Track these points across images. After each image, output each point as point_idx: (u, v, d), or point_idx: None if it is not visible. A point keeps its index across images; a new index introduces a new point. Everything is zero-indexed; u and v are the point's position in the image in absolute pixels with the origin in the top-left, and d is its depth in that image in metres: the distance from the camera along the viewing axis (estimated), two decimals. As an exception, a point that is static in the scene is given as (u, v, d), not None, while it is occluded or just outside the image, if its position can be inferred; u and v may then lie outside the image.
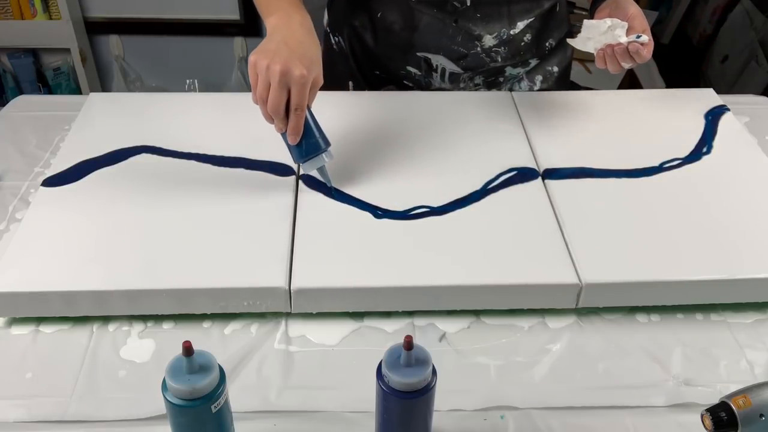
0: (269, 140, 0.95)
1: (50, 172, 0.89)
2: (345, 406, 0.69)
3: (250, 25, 2.28)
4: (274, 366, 0.73)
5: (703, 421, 0.59)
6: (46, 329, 0.76)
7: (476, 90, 1.12)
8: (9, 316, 0.77)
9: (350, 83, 1.16)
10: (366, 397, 0.66)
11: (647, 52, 0.89)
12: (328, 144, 0.85)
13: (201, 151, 0.93)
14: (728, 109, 1.05)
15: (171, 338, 0.76)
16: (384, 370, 0.58)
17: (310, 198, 0.86)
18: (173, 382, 0.56)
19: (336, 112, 1.02)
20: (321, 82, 0.82)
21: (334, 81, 1.17)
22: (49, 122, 1.06)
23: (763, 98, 1.20)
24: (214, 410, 0.58)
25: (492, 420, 0.69)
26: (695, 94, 1.09)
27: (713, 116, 1.03)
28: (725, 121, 1.02)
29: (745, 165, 0.95)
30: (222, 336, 0.76)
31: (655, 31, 2.90)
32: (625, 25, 0.89)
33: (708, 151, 0.96)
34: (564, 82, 1.17)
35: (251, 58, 0.79)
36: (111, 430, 0.67)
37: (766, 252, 0.80)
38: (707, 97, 1.08)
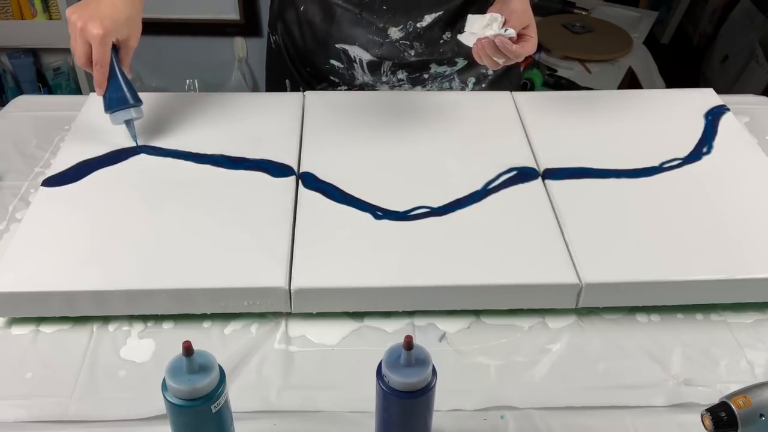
0: (269, 140, 0.96)
1: (50, 172, 0.89)
2: (345, 406, 0.69)
3: (250, 25, 2.28)
4: (274, 366, 0.73)
5: (703, 421, 0.59)
6: (46, 329, 0.76)
7: (400, 84, 1.12)
8: (9, 316, 0.77)
9: (287, 81, 1.16)
10: (366, 397, 0.66)
11: (519, 48, 0.87)
12: (137, 101, 0.91)
13: (201, 151, 0.93)
14: (728, 109, 1.05)
15: (171, 338, 0.76)
16: (384, 370, 0.58)
17: (310, 198, 0.86)
18: (173, 382, 0.56)
19: (336, 112, 1.02)
20: (133, 44, 0.90)
21: (274, 80, 1.19)
22: (49, 122, 1.06)
23: (763, 98, 1.20)
24: (214, 410, 0.58)
25: (492, 420, 0.69)
26: (695, 94, 1.09)
27: (713, 116, 1.03)
28: (725, 121, 1.02)
29: (745, 165, 0.94)
30: (222, 336, 0.76)
31: (655, 31, 2.92)
32: (502, 19, 0.87)
33: (708, 151, 0.96)
34: (504, 84, 1.14)
35: (67, 11, 0.86)
36: (111, 430, 0.67)
37: (766, 252, 0.81)
38: (707, 97, 1.08)
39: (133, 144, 0.93)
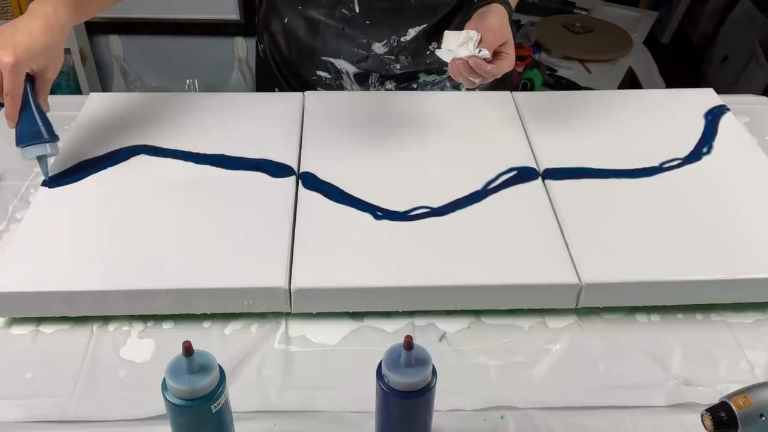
0: (269, 140, 0.96)
1: (50, 172, 0.89)
2: (345, 406, 0.69)
3: (250, 25, 2.28)
4: (274, 366, 0.73)
5: (703, 421, 0.59)
6: (46, 329, 0.76)
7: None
8: (9, 316, 0.77)
9: (276, 90, 1.16)
10: (366, 397, 0.66)
11: (494, 68, 0.85)
12: (53, 137, 0.84)
13: (201, 151, 0.93)
14: (728, 109, 1.05)
15: (171, 338, 0.76)
16: (384, 370, 0.58)
17: (310, 198, 0.86)
18: (173, 382, 0.56)
19: (335, 112, 1.02)
20: (51, 76, 0.83)
21: (264, 89, 1.18)
22: (49, 122, 1.06)
23: (763, 98, 1.20)
24: (214, 410, 0.58)
25: (492, 420, 0.69)
26: (695, 94, 1.09)
27: (713, 116, 1.03)
28: (725, 121, 1.02)
29: (745, 165, 0.94)
30: (222, 336, 0.76)
31: (655, 31, 2.92)
32: (477, 38, 0.85)
33: (708, 151, 0.96)
34: (497, 89, 1.12)
35: None
36: (111, 430, 0.67)
37: (766, 252, 0.80)
38: (707, 97, 1.08)
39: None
